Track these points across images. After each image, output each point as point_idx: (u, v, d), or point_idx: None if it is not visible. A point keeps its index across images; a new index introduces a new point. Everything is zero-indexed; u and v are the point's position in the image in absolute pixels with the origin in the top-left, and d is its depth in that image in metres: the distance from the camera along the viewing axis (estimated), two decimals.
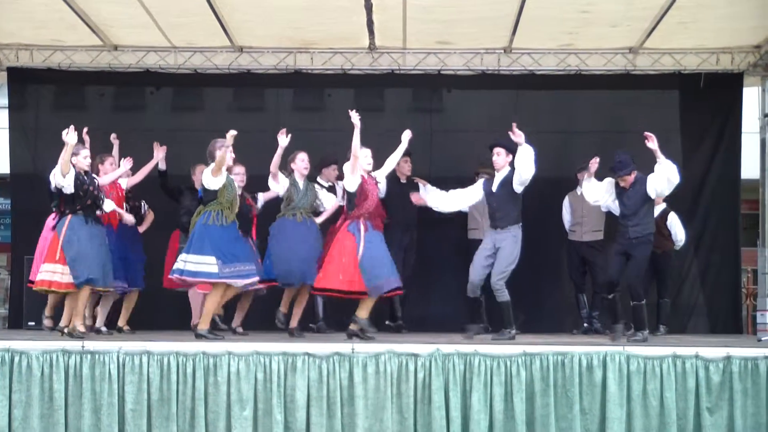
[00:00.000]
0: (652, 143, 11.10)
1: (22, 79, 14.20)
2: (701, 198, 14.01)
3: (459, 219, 13.52)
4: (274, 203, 12.22)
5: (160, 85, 14.29)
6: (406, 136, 11.63)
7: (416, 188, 13.48)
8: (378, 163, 12.09)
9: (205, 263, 11.03)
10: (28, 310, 13.30)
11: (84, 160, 11.27)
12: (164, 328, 12.62)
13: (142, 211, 12.91)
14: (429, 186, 13.51)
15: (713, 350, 10.02)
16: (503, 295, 11.47)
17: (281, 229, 11.93)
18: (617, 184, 11.42)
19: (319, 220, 12.09)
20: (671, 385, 9.87)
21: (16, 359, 9.93)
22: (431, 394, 9.86)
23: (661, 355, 9.96)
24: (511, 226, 11.48)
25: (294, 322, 11.97)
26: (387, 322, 13.37)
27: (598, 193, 11.66)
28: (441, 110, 14.41)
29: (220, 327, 12.18)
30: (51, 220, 11.82)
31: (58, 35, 13.44)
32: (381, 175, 11.60)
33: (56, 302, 11.91)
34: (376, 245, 11.25)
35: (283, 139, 11.66)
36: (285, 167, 11.94)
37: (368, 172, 11.41)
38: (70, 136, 10.83)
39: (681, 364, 9.93)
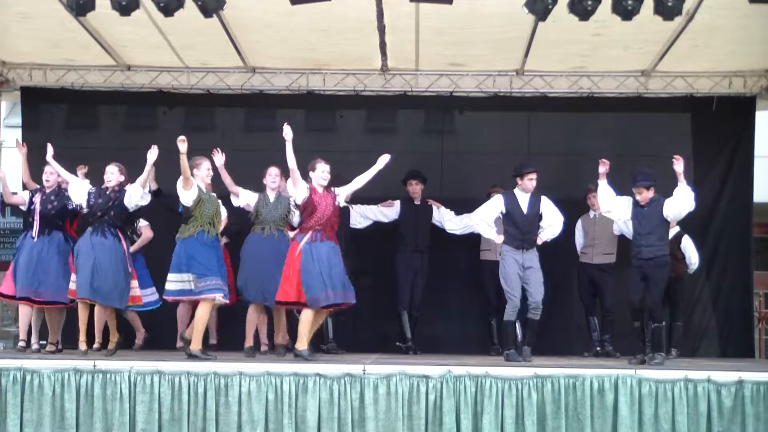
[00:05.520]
0: (679, 165, 11.24)
1: (35, 98, 14.22)
2: (713, 221, 13.97)
3: (471, 240, 13.53)
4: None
5: (173, 105, 14.29)
6: (383, 159, 11.55)
7: (429, 211, 13.53)
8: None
9: (183, 281, 11.17)
10: (40, 329, 13.26)
11: (111, 175, 11.71)
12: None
13: (137, 228, 13.00)
14: (443, 208, 13.57)
15: (725, 374, 10.01)
16: (540, 313, 11.59)
17: (249, 244, 12.07)
18: (635, 204, 11.46)
19: (292, 234, 12.01)
20: (683, 409, 9.86)
21: (28, 378, 9.97)
22: (442, 416, 9.86)
23: (673, 378, 9.95)
24: (534, 247, 11.72)
25: (279, 338, 12.07)
26: (397, 344, 13.36)
27: (612, 201, 11.67)
28: (453, 132, 14.41)
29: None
30: None
31: (72, 55, 13.47)
32: (343, 192, 11.60)
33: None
34: (317, 257, 11.19)
35: (219, 158, 11.87)
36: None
37: (324, 187, 11.41)
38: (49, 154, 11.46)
39: (693, 388, 9.91)
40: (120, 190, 11.67)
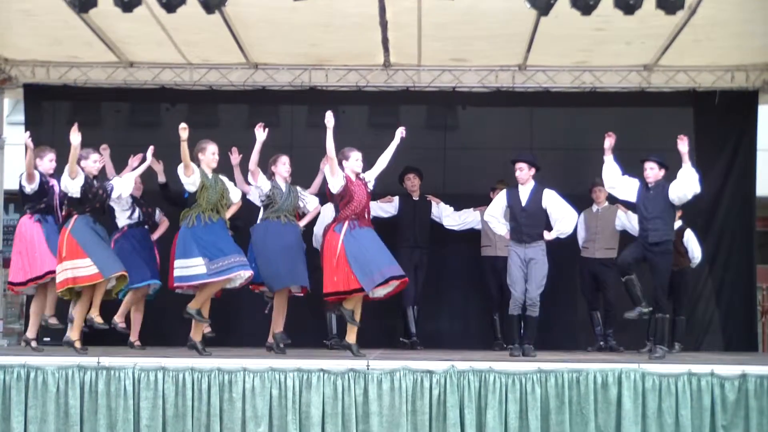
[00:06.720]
0: (684, 145, 11.17)
1: (38, 95, 14.24)
2: (716, 215, 13.96)
3: (472, 236, 13.55)
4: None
5: (176, 102, 14.31)
6: (399, 132, 11.56)
7: (428, 207, 13.54)
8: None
9: (193, 266, 11.01)
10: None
11: (93, 164, 11.36)
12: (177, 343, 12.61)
13: (156, 217, 12.98)
14: (442, 204, 13.57)
15: (729, 368, 10.00)
16: (537, 310, 11.52)
17: (266, 231, 11.62)
18: (642, 187, 11.41)
19: (302, 222, 11.97)
20: (686, 403, 9.85)
21: (32, 375, 9.96)
22: (446, 411, 9.86)
23: (677, 372, 9.94)
24: (539, 240, 11.55)
25: (279, 327, 11.73)
26: (401, 339, 13.38)
27: (617, 179, 11.50)
28: (455, 127, 14.42)
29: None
30: (28, 221, 11.76)
31: (75, 52, 13.48)
32: (371, 176, 11.50)
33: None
34: (360, 240, 11.14)
35: (261, 134, 11.45)
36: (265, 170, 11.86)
37: (357, 174, 11.35)
38: (74, 136, 10.93)
39: (696, 382, 9.90)
40: (104, 182, 11.63)
